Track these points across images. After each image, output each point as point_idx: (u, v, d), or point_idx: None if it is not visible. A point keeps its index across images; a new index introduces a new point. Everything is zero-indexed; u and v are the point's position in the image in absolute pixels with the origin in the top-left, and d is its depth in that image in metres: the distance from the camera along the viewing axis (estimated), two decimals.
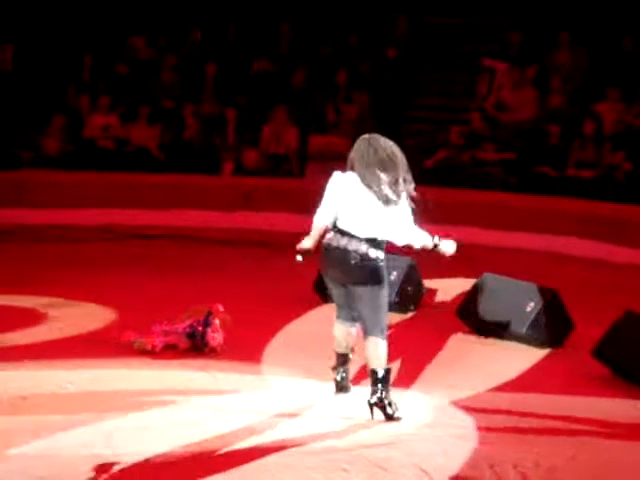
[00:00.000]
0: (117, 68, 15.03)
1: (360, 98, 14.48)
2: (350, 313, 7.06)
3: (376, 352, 6.84)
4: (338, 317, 7.16)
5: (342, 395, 7.21)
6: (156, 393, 7.18)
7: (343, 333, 7.16)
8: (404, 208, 6.78)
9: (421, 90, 15.10)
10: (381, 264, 6.80)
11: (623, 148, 13.01)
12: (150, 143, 14.24)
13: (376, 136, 6.98)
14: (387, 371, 6.85)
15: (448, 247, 6.93)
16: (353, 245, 6.80)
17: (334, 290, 7.07)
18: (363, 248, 6.78)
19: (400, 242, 6.86)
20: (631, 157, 12.89)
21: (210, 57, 15.14)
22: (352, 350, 7.20)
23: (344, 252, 6.81)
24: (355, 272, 6.80)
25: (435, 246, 6.90)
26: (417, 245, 6.88)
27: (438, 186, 12.50)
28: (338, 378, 7.19)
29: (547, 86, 14.14)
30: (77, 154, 14.12)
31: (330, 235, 6.95)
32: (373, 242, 6.78)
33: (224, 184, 13.75)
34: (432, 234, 6.91)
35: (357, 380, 7.42)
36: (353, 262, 6.78)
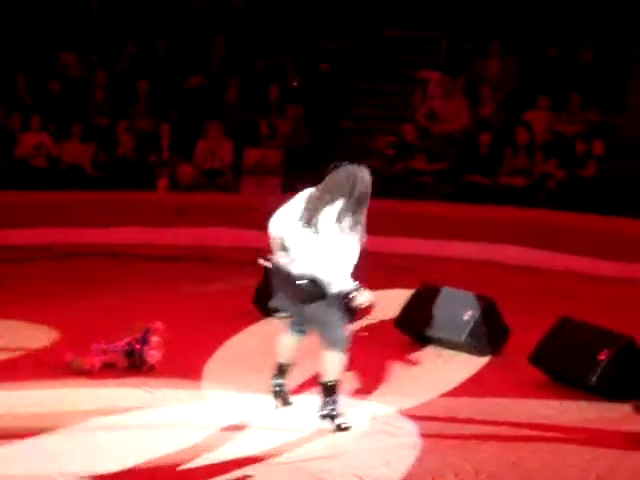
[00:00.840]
0: (49, 86, 14.92)
1: (293, 111, 14.52)
2: (301, 326, 7.06)
3: (332, 365, 6.85)
4: (290, 327, 7.14)
5: (283, 407, 7.21)
6: (95, 412, 7.13)
7: (289, 344, 7.16)
8: (335, 243, 6.69)
9: (354, 102, 15.17)
10: (322, 283, 6.73)
11: (554, 156, 13.17)
12: (83, 161, 14.14)
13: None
14: (337, 383, 6.89)
15: (363, 298, 6.80)
16: (295, 264, 6.79)
17: (289, 304, 7.02)
18: (304, 268, 6.75)
19: (326, 280, 6.72)
20: (562, 164, 13.05)
21: (142, 73, 15.09)
22: (293, 363, 7.22)
23: (287, 271, 6.81)
24: (301, 291, 6.78)
25: (350, 294, 6.75)
26: (334, 288, 6.72)
27: (372, 197, 12.53)
28: (277, 389, 7.20)
29: (478, 95, 14.28)
30: (10, 173, 13.98)
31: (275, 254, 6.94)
32: (314, 262, 6.73)
33: (159, 200, 13.70)
34: (359, 282, 6.80)
35: (300, 390, 7.43)
36: (298, 282, 6.76)
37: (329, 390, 6.86)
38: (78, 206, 13.33)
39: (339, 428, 6.85)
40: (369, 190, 6.86)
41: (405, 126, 14.07)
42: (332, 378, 6.86)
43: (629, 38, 14.19)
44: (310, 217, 6.74)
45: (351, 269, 6.79)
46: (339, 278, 6.72)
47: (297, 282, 6.76)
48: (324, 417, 6.86)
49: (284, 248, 6.88)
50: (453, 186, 13.48)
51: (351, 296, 6.78)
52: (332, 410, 6.85)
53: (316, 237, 6.72)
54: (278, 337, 7.23)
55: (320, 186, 6.87)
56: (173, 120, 14.65)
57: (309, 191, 6.92)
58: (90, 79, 15.18)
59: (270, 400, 7.22)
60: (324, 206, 6.73)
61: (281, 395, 7.21)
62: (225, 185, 14.07)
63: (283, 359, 7.18)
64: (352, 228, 6.71)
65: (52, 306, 9.90)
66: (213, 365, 8.27)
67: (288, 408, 7.21)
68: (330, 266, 6.71)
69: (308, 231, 6.74)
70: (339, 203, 6.73)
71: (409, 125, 14.08)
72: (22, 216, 13.07)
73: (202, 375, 7.99)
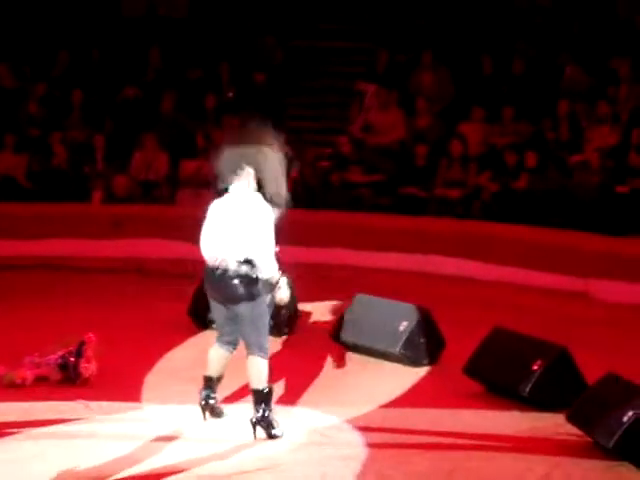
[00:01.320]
0: None
1: (230, 122, 14.49)
2: (230, 337, 7.10)
3: (257, 371, 6.90)
4: (218, 340, 7.20)
5: (214, 418, 7.18)
6: (26, 426, 7.06)
7: (218, 356, 7.20)
8: (264, 228, 6.85)
9: (290, 113, 15.18)
10: (257, 283, 6.87)
11: (488, 167, 13.29)
12: (17, 172, 13.99)
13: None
14: (269, 390, 6.91)
15: (283, 294, 7.02)
16: (230, 265, 6.88)
17: (215, 311, 7.13)
18: (242, 268, 6.85)
19: (258, 264, 6.89)
20: (496, 176, 13.17)
21: (76, 83, 14.98)
22: (221, 376, 7.20)
23: (223, 272, 6.90)
24: (232, 290, 6.87)
25: (276, 285, 6.96)
26: (264, 274, 6.90)
27: (309, 208, 12.57)
28: (205, 402, 7.19)
29: (413, 107, 14.36)
30: None
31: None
32: (247, 261, 6.86)
33: (94, 212, 13.59)
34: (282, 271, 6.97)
35: (232, 400, 7.42)
36: (230, 281, 6.86)
37: (259, 396, 6.88)
38: (11, 218, 13.18)
39: (272, 436, 6.85)
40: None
41: (340, 138, 14.12)
42: (261, 385, 6.88)
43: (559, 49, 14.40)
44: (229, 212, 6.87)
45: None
46: (269, 262, 6.85)
47: (228, 281, 6.83)
48: (255, 424, 6.87)
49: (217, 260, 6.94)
50: (390, 198, 13.54)
51: (277, 286, 6.93)
52: (264, 417, 6.85)
53: (241, 235, 6.83)
54: (211, 349, 7.23)
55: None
56: (108, 131, 14.55)
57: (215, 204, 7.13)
58: (23, 89, 15.03)
59: (200, 412, 7.20)
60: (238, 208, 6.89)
61: (210, 407, 7.21)
62: (161, 197, 14.00)
63: (211, 372, 7.21)
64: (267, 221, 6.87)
65: None
66: (151, 378, 8.24)
67: (222, 419, 7.20)
68: (260, 248, 6.84)
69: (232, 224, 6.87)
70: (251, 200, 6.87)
71: (344, 137, 14.12)
72: None
73: (138, 387, 7.94)
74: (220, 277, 6.92)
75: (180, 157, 14.19)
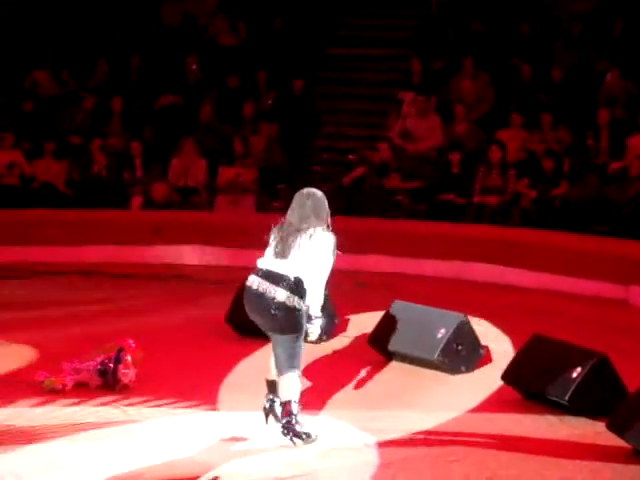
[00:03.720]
0: (22, 105, 14.89)
1: (267, 129, 14.54)
2: None
3: (289, 387, 6.87)
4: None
5: (272, 422, 7.15)
6: (67, 431, 7.11)
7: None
8: (324, 263, 6.77)
9: (328, 120, 15.21)
10: (300, 313, 6.80)
11: (527, 174, 13.24)
12: (57, 179, 14.10)
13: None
14: (296, 403, 6.90)
15: (315, 330, 6.93)
16: (272, 292, 6.80)
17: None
18: (290, 300, 6.79)
19: (309, 297, 6.82)
20: (535, 183, 13.12)
21: (116, 91, 15.08)
22: None
23: (270, 302, 6.79)
24: (279, 322, 6.80)
25: (311, 319, 6.87)
26: (311, 303, 6.83)
27: (346, 215, 12.58)
28: (269, 407, 7.14)
29: (451, 114, 14.34)
30: None
31: (251, 276, 6.94)
32: (293, 288, 6.78)
33: (133, 218, 13.67)
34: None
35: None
36: (277, 312, 6.78)
37: (288, 407, 6.88)
38: (52, 224, 13.28)
39: (300, 443, 6.86)
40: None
41: (380, 144, 14.12)
42: (289, 399, 6.88)
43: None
44: (285, 248, 6.78)
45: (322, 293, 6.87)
46: (319, 297, 6.79)
47: (275, 312, 6.76)
48: (286, 435, 6.88)
49: (266, 277, 6.87)
50: (427, 204, 13.53)
51: (313, 322, 6.85)
52: (292, 427, 6.85)
53: (297, 264, 6.77)
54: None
55: (289, 217, 6.91)
56: (147, 138, 14.63)
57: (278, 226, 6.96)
58: (64, 97, 15.15)
59: (261, 417, 7.15)
60: (298, 235, 6.78)
61: (273, 411, 7.12)
62: (199, 203, 14.06)
63: (272, 376, 7.12)
64: (326, 251, 6.77)
65: (27, 325, 9.85)
66: (190, 383, 8.26)
67: (264, 427, 7.19)
68: (315, 289, 6.77)
69: (286, 260, 6.78)
70: (312, 229, 6.79)
71: (384, 143, 14.13)
72: None
73: (180, 392, 7.96)
74: (268, 307, 6.80)
75: (218, 164, 14.26)
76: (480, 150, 13.80)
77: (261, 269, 6.89)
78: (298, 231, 6.81)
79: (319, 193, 6.96)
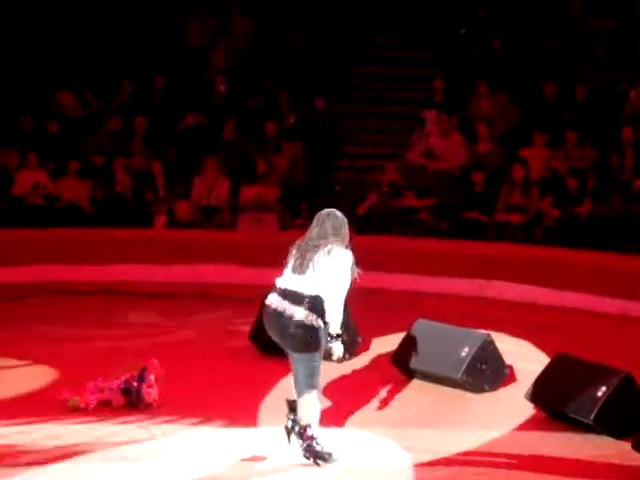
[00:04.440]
0: (47, 125, 14.98)
1: (290, 148, 14.58)
2: None
3: (308, 409, 6.85)
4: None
5: (294, 440, 7.07)
6: (91, 450, 7.12)
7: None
8: (342, 280, 6.74)
9: (350, 139, 15.23)
10: (319, 331, 6.76)
11: (550, 192, 13.21)
12: (81, 198, 14.17)
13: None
14: (316, 425, 6.89)
15: (337, 349, 6.90)
16: (290, 311, 6.78)
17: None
18: (300, 315, 6.77)
19: (328, 315, 6.79)
20: (558, 201, 13.09)
21: (139, 111, 15.16)
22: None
23: (289, 321, 6.76)
24: (298, 341, 6.77)
25: (333, 337, 6.83)
26: (331, 321, 6.80)
27: (369, 234, 12.58)
28: (291, 426, 7.07)
29: (473, 132, 14.34)
30: (7, 212, 13.99)
31: (270, 295, 6.93)
32: (311, 307, 6.76)
33: (157, 237, 13.71)
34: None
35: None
36: (296, 330, 6.75)
37: (307, 429, 6.87)
38: (75, 243, 13.34)
39: (326, 463, 6.85)
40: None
41: (388, 164, 14.14)
42: (308, 421, 6.86)
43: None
44: (303, 264, 6.77)
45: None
46: (338, 314, 6.76)
47: (294, 330, 6.73)
48: (309, 457, 6.88)
49: (285, 295, 6.85)
50: (450, 222, 13.51)
51: (334, 340, 6.82)
52: (311, 450, 6.85)
53: (315, 282, 6.74)
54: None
55: (308, 235, 6.90)
56: (170, 157, 14.69)
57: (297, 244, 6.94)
58: (88, 117, 15.24)
59: (282, 436, 7.12)
60: (316, 252, 6.77)
61: (292, 430, 7.09)
62: (222, 222, 14.10)
63: (293, 395, 7.06)
64: (343, 267, 6.74)
65: (50, 344, 9.89)
66: (214, 402, 8.26)
67: (287, 445, 7.16)
68: (334, 306, 6.74)
69: (304, 277, 6.77)
70: (330, 245, 6.77)
71: (393, 163, 14.16)
72: (18, 254, 13.06)
73: (203, 411, 7.96)
74: (287, 325, 6.77)
75: (241, 183, 14.29)
76: (503, 168, 13.78)
77: (280, 287, 6.88)
78: (316, 247, 6.79)
79: (340, 214, 6.94)
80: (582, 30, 15.15)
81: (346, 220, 6.95)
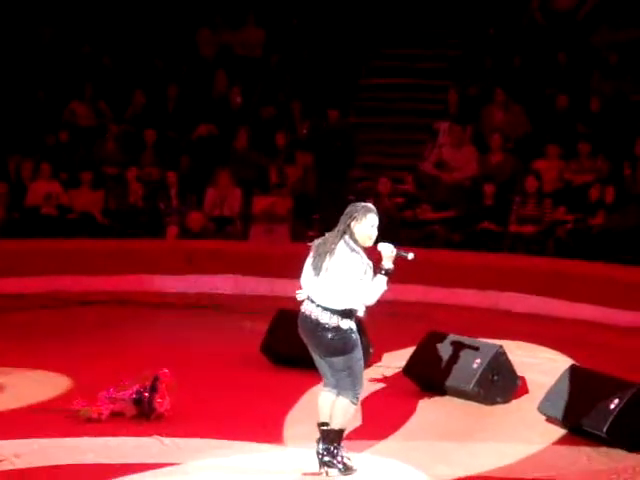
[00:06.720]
0: (58, 135, 15.02)
1: (303, 159, 14.58)
2: (335, 381, 6.88)
3: (343, 412, 6.80)
4: (325, 385, 6.97)
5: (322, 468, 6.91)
6: (104, 460, 7.11)
7: (327, 402, 6.93)
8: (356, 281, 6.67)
9: (363, 150, 15.23)
10: (352, 334, 6.71)
11: (563, 204, 13.19)
12: (94, 209, 14.20)
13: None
14: (342, 431, 6.85)
15: (386, 250, 6.80)
16: (316, 314, 6.71)
17: (312, 355, 6.93)
18: (334, 321, 6.69)
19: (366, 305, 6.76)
20: (571, 213, 13.06)
21: (152, 121, 15.19)
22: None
23: (315, 324, 6.70)
24: (327, 345, 6.70)
25: (386, 272, 6.75)
26: (377, 297, 6.72)
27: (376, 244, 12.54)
28: (320, 457, 6.89)
29: (485, 143, 14.33)
30: (20, 222, 14.02)
31: (305, 302, 6.85)
32: (343, 312, 6.70)
33: (169, 248, 13.73)
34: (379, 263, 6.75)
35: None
36: (324, 333, 6.67)
37: (335, 435, 6.82)
38: (88, 254, 13.36)
39: (342, 472, 6.80)
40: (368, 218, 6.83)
41: (407, 176, 14.13)
42: (339, 426, 6.82)
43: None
44: (317, 265, 6.74)
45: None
46: (374, 291, 6.66)
47: (321, 334, 6.67)
48: (327, 463, 6.82)
49: (312, 299, 6.79)
50: (463, 234, 13.49)
51: (386, 269, 6.71)
52: (335, 456, 6.79)
53: (329, 283, 6.69)
54: (319, 396, 7.01)
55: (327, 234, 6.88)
56: (183, 168, 14.71)
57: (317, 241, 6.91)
58: (101, 128, 15.28)
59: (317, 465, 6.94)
60: (328, 256, 6.72)
61: (325, 463, 6.87)
62: (234, 232, 14.10)
63: (324, 418, 6.91)
64: (352, 270, 6.67)
65: (64, 354, 9.91)
66: (226, 414, 8.25)
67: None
68: (359, 301, 6.68)
69: (320, 279, 6.72)
70: (334, 247, 6.71)
71: (410, 175, 14.14)
72: (31, 265, 13.08)
73: (213, 424, 7.95)
74: (314, 329, 6.72)
75: (253, 193, 14.30)
76: (516, 180, 13.76)
77: (307, 289, 6.82)
78: (325, 244, 6.73)
79: (361, 203, 6.86)
80: (594, 41, 15.13)
81: (365, 208, 6.79)
